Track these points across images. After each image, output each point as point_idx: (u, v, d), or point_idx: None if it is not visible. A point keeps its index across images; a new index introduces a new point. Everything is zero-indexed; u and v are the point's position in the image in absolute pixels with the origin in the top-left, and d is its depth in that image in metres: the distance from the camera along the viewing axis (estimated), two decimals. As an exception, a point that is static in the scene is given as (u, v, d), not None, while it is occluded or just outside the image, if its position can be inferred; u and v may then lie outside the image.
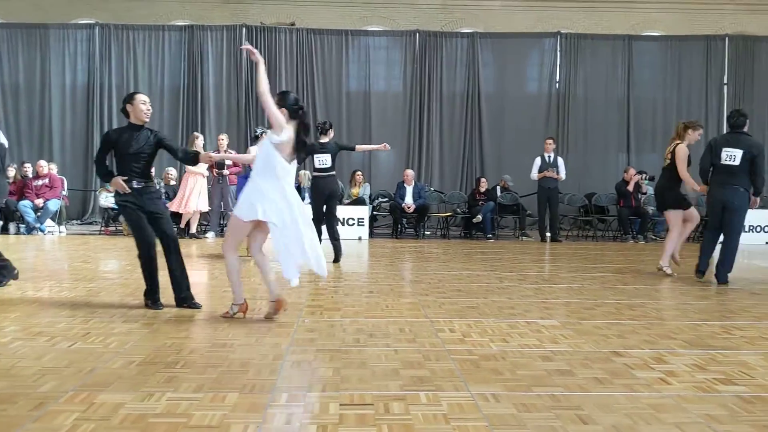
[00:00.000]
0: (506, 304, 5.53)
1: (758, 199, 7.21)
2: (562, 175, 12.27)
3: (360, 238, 11.88)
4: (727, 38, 14.82)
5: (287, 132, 4.61)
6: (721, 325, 4.80)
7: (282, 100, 4.77)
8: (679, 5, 15.25)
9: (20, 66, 14.42)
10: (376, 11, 15.01)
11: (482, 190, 12.92)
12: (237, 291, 4.82)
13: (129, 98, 5.22)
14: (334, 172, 8.43)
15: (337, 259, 8.26)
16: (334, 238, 8.37)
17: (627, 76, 14.80)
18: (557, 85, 14.82)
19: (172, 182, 12.90)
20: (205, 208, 11.61)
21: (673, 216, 7.70)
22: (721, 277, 6.98)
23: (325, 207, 8.40)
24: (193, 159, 5.48)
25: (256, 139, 8.69)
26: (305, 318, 4.79)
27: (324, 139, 8.39)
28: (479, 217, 12.46)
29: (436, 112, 14.61)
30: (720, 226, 7.14)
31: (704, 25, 15.20)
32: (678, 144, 7.53)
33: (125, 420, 2.72)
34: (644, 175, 13.17)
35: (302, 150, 4.72)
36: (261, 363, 3.59)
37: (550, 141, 12.45)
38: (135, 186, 5.09)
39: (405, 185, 12.60)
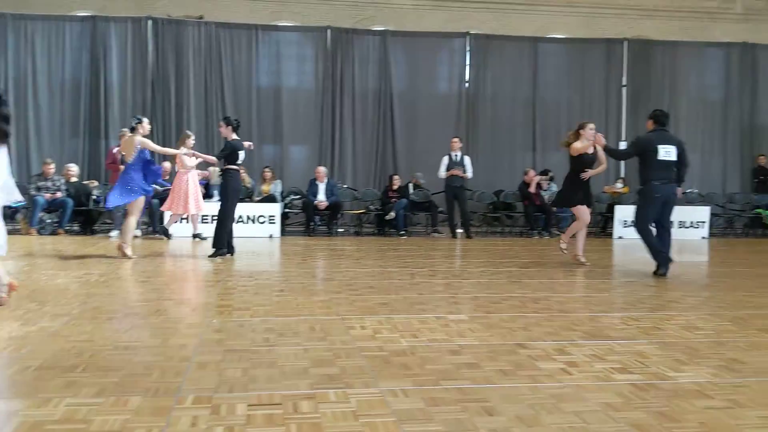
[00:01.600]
0: (417, 299, 5.59)
1: (680, 189, 7.68)
2: (469, 173, 12.55)
3: (271, 236, 11.75)
4: (626, 42, 15.50)
5: None
6: (620, 317, 5.02)
7: None
8: (581, 9, 15.83)
9: None
10: (287, 6, 14.86)
11: (395, 187, 13.04)
12: None
13: None
14: None
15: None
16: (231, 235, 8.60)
17: (533, 76, 15.25)
18: (467, 84, 15.10)
19: (74, 179, 12.39)
20: (203, 209, 10.91)
21: (579, 210, 8.26)
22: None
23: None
24: None
25: (132, 129, 8.53)
26: (213, 318, 4.69)
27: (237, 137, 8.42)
28: (392, 214, 12.58)
29: (348, 109, 14.60)
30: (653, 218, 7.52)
31: (605, 29, 15.84)
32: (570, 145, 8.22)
33: (21, 428, 2.58)
34: (548, 175, 13.67)
35: (3, 139, 4.77)
36: (166, 365, 3.49)
37: (456, 140, 12.72)
38: None
39: (317, 182, 12.56)
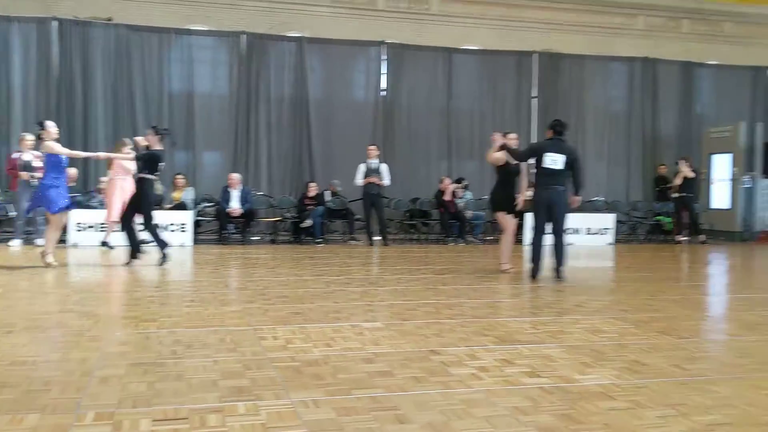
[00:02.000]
0: (332, 308, 5.55)
1: (578, 198, 7.91)
2: (386, 180, 12.62)
3: (183, 245, 11.43)
4: (535, 54, 15.98)
5: None
6: (529, 321, 5.14)
7: None
8: (494, 21, 16.22)
9: None
10: (200, 10, 14.54)
11: (311, 194, 12.95)
12: None
13: None
14: None
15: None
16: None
17: (447, 86, 15.47)
18: (383, 93, 15.17)
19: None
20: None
21: (501, 218, 8.31)
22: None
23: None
24: None
25: (39, 137, 8.26)
26: (117, 331, 4.51)
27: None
28: (308, 222, 12.48)
29: (263, 116, 14.39)
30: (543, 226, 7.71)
31: (516, 42, 16.28)
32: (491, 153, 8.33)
33: None
34: (462, 183, 13.92)
35: None
36: (66, 380, 3.33)
37: (373, 148, 12.78)
38: None
39: (230, 189, 12.33)
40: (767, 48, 18.05)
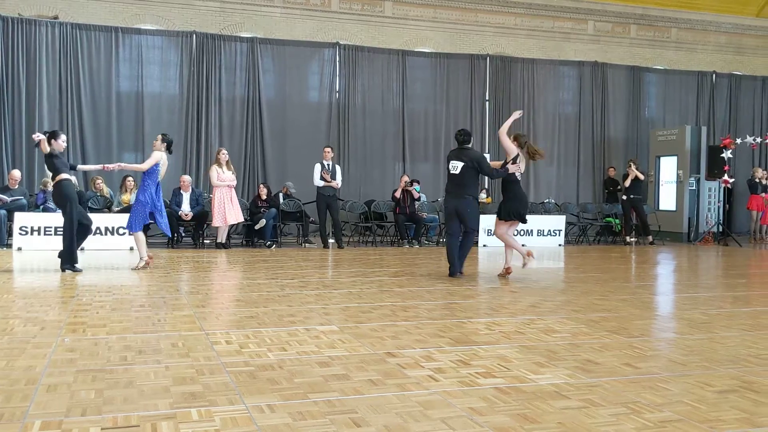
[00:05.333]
0: (286, 311, 5.50)
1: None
2: (338, 181, 12.54)
3: (132, 248, 11.18)
4: (488, 58, 16.15)
5: None
6: (484, 322, 5.18)
7: None
8: (447, 24, 16.37)
9: None
10: (150, 9, 14.29)
11: (263, 196, 12.81)
12: None
13: None
14: None
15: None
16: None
17: (402, 88, 15.52)
18: (337, 94, 15.14)
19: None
20: (240, 218, 12.00)
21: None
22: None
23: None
24: None
25: None
26: (65, 337, 4.38)
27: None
28: (263, 222, 12.33)
29: (215, 116, 14.19)
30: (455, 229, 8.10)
31: (469, 45, 16.46)
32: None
33: None
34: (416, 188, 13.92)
35: None
36: (11, 389, 3.21)
37: (329, 150, 12.69)
38: None
39: (182, 191, 12.11)
40: (712, 53, 18.65)
